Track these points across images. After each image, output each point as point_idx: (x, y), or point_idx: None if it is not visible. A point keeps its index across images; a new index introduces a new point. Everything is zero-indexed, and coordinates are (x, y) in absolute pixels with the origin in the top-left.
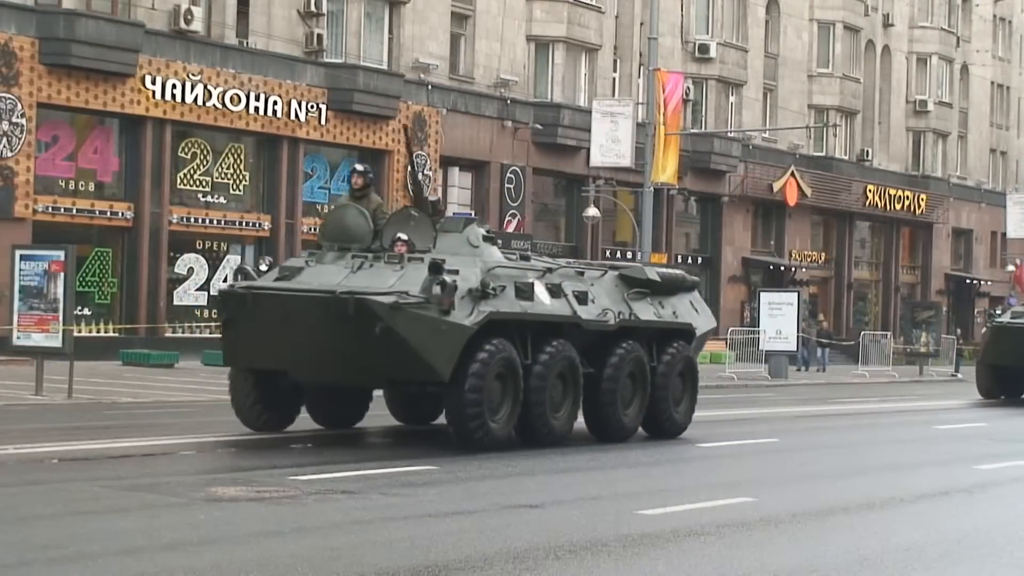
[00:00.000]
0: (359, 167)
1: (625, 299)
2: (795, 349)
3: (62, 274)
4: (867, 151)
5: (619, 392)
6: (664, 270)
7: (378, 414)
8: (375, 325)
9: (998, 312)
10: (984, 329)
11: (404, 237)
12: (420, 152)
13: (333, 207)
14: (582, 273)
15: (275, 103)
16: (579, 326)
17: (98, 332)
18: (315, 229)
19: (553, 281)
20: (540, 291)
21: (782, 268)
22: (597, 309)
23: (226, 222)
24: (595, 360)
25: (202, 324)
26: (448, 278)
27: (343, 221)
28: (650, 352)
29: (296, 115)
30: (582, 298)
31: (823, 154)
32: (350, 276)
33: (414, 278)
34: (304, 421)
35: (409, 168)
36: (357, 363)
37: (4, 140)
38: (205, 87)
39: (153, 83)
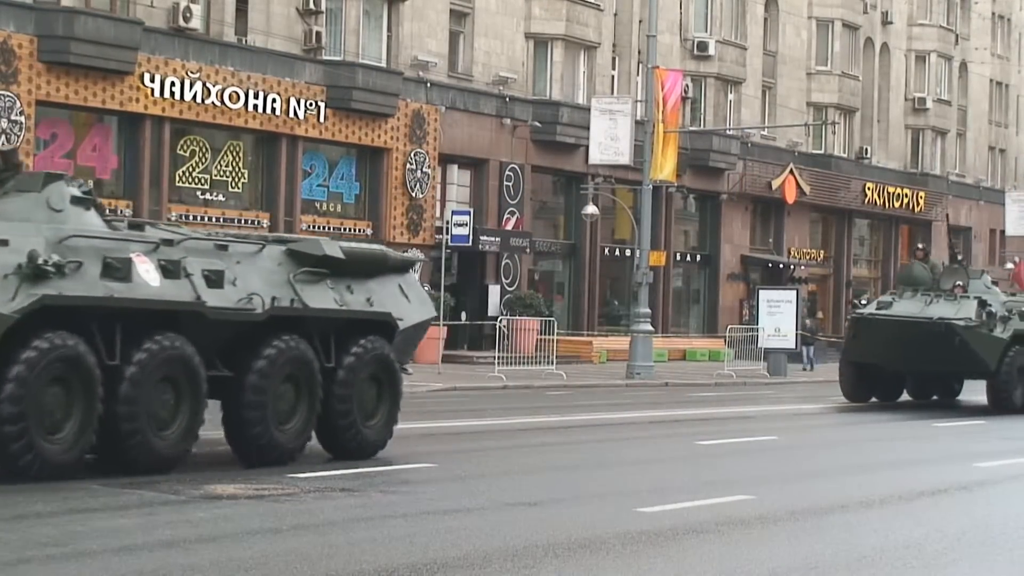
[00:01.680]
0: None
1: (291, 281)
2: (794, 347)
3: None
4: (866, 149)
5: (270, 402)
6: (355, 245)
7: None
8: None
9: (863, 301)
10: (846, 321)
11: None
12: (419, 150)
13: None
14: (225, 248)
15: (274, 101)
16: (204, 315)
17: None
18: (314, 227)
19: (171, 257)
20: (145, 269)
21: (781, 266)
22: (239, 293)
23: (225, 220)
24: (241, 361)
25: None
26: None
27: None
28: (326, 350)
29: (295, 113)
30: (216, 279)
31: (822, 152)
32: None
33: None
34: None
35: None
36: None
37: (3, 138)
38: (204, 85)
39: (152, 81)
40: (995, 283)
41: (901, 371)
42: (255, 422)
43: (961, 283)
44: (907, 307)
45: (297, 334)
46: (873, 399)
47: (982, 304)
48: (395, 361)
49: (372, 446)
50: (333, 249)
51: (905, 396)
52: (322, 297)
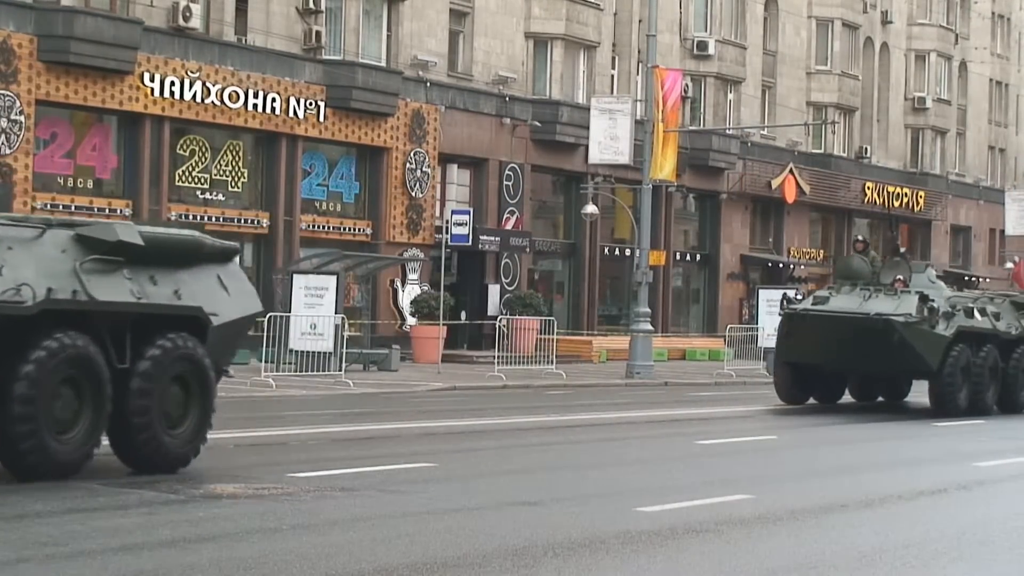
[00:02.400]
0: None
1: (77, 271)
2: None
3: None
4: (866, 148)
5: (41, 408)
6: (161, 230)
7: None
8: None
9: (798, 296)
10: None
11: None
12: (419, 150)
13: None
14: None
15: (273, 100)
16: None
17: None
18: (314, 227)
19: None
20: None
21: (780, 265)
22: (6, 284)
23: (224, 219)
24: (8, 361)
25: None
26: None
27: None
28: (120, 348)
29: (295, 112)
30: None
31: (822, 151)
32: None
33: None
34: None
35: None
36: None
37: (2, 137)
38: (204, 84)
39: (152, 80)
40: (941, 277)
41: (840, 370)
42: (25, 430)
43: (902, 277)
44: (844, 302)
45: (81, 330)
46: (812, 400)
47: (923, 299)
48: (207, 362)
49: (176, 458)
50: (130, 234)
51: (848, 397)
52: (115, 289)
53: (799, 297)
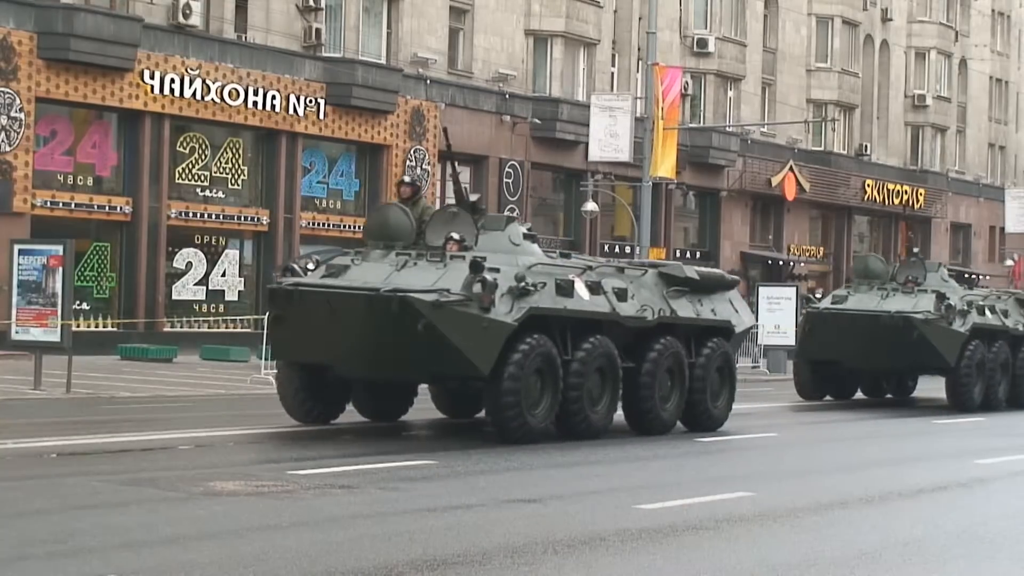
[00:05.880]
0: None
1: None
2: (794, 343)
3: (60, 269)
4: (866, 146)
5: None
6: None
7: None
8: None
9: (308, 266)
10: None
11: None
12: (419, 147)
13: None
14: None
15: (273, 98)
16: None
17: (97, 327)
18: (314, 224)
19: None
20: None
21: (780, 263)
22: None
23: (224, 216)
24: None
25: (200, 319)
26: None
27: None
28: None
29: (295, 110)
30: None
31: (821, 149)
32: None
33: None
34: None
35: None
36: None
37: (2, 134)
38: (203, 82)
39: (151, 78)
40: (541, 245)
41: (350, 375)
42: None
43: (458, 237)
44: (365, 273)
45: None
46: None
47: (476, 267)
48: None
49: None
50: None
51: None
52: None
53: (307, 268)
